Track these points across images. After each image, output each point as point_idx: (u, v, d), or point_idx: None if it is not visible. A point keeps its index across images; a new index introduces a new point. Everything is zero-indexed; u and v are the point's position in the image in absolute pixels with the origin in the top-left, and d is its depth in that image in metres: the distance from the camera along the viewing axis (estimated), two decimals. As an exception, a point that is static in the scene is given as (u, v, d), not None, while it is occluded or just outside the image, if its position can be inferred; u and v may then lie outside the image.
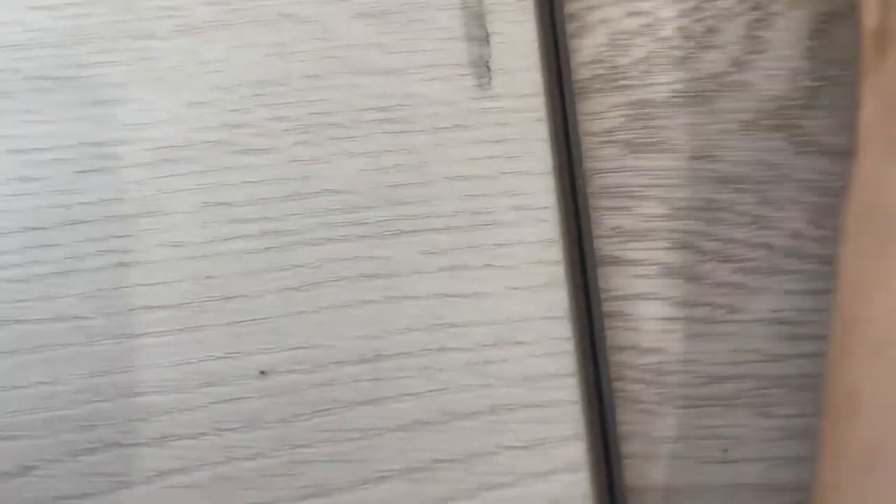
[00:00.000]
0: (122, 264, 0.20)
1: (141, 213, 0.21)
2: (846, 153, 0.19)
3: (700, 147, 0.22)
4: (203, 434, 0.19)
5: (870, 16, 0.19)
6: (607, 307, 0.21)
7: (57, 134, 0.21)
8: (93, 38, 0.22)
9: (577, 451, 0.19)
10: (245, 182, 0.21)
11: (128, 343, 0.20)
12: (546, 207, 0.20)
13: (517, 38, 0.22)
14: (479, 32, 0.22)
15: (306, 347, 0.20)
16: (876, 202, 0.17)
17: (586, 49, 0.23)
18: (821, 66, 0.22)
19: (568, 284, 0.20)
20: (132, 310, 0.20)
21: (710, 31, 0.23)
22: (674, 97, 0.23)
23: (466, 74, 0.22)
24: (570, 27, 0.23)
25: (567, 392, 0.20)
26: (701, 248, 0.22)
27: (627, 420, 0.20)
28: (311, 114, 0.21)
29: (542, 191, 0.21)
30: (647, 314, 0.21)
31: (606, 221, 0.22)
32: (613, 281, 0.21)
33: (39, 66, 0.22)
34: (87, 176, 0.21)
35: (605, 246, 0.21)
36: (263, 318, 0.20)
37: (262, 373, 0.20)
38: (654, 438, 0.20)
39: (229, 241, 0.20)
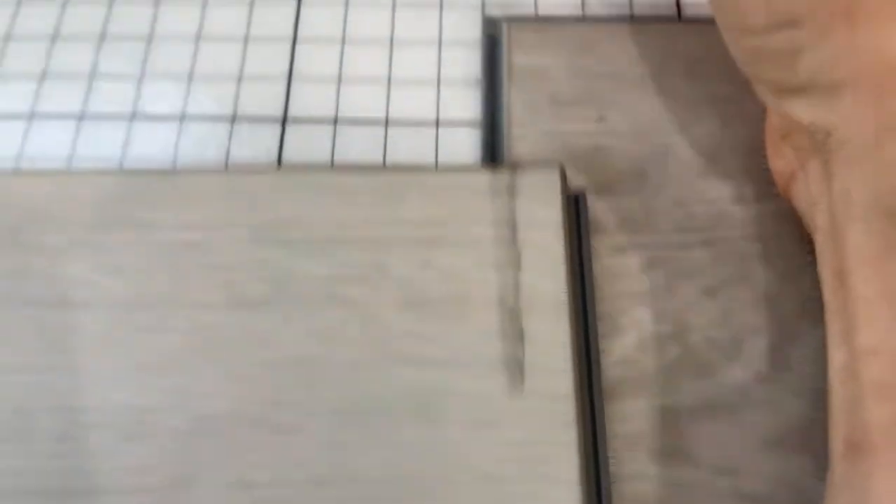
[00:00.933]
0: (145, 540, 0.20)
1: (173, 484, 0.21)
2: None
3: (724, 461, 0.22)
4: None
5: None
6: None
7: (104, 396, 0.22)
8: (153, 303, 0.23)
9: None
10: (275, 462, 0.21)
11: None
12: (570, 519, 0.21)
13: (550, 337, 0.23)
14: (513, 331, 0.23)
15: None
16: None
17: (616, 350, 0.24)
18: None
19: None
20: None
21: (736, 342, 0.24)
22: (699, 407, 0.23)
23: (500, 372, 0.22)
24: (602, 327, 0.24)
25: None
26: (723, 572, 0.21)
27: None
28: (347, 398, 0.22)
29: (568, 499, 0.21)
30: None
31: (629, 533, 0.22)
32: None
33: (97, 329, 0.23)
34: (125, 442, 0.21)
35: (626, 561, 0.21)
36: None
37: None
38: None
39: (253, 524, 0.21)
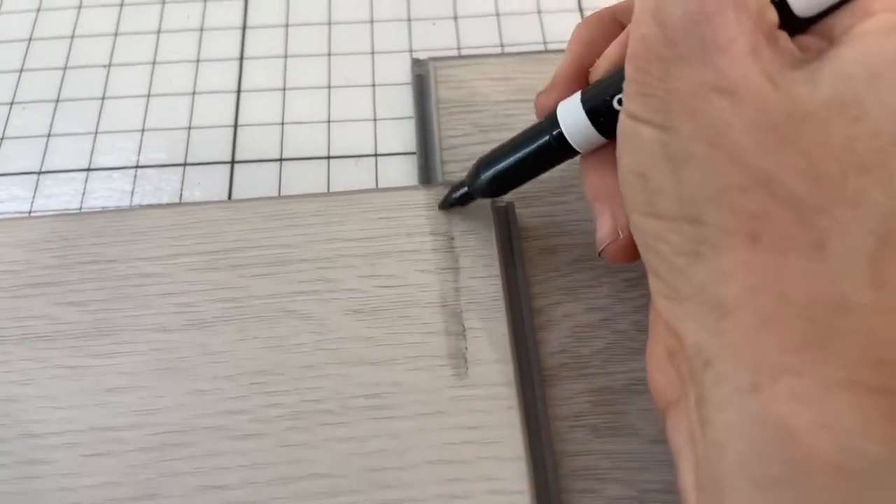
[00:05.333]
0: (115, 549, 0.21)
1: (140, 496, 0.22)
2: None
3: (659, 431, 0.24)
4: None
5: None
6: (579, 591, 0.22)
7: (69, 419, 0.23)
8: (112, 330, 0.25)
9: None
10: (239, 466, 0.22)
11: None
12: (520, 492, 0.22)
13: (490, 332, 0.25)
14: (456, 328, 0.25)
15: None
16: None
17: (553, 340, 0.26)
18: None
19: (541, 568, 0.21)
20: None
21: (661, 324, 0.26)
22: (632, 384, 0.25)
23: (445, 365, 0.24)
24: (538, 320, 0.26)
25: None
26: (666, 531, 0.23)
27: None
28: (303, 401, 0.23)
29: (516, 476, 0.22)
30: None
31: (576, 503, 0.23)
32: (585, 564, 0.22)
33: (61, 356, 0.24)
34: (92, 459, 0.22)
35: (575, 528, 0.23)
36: None
37: None
38: None
39: (220, 524, 0.22)
